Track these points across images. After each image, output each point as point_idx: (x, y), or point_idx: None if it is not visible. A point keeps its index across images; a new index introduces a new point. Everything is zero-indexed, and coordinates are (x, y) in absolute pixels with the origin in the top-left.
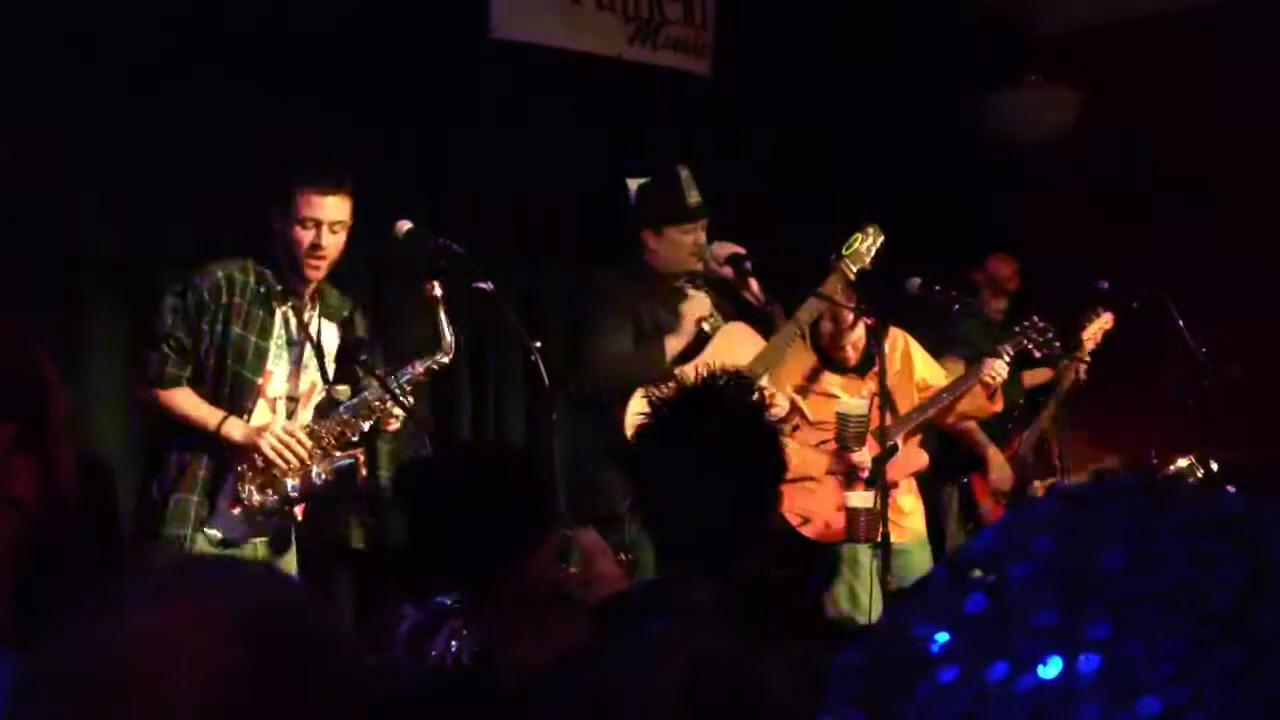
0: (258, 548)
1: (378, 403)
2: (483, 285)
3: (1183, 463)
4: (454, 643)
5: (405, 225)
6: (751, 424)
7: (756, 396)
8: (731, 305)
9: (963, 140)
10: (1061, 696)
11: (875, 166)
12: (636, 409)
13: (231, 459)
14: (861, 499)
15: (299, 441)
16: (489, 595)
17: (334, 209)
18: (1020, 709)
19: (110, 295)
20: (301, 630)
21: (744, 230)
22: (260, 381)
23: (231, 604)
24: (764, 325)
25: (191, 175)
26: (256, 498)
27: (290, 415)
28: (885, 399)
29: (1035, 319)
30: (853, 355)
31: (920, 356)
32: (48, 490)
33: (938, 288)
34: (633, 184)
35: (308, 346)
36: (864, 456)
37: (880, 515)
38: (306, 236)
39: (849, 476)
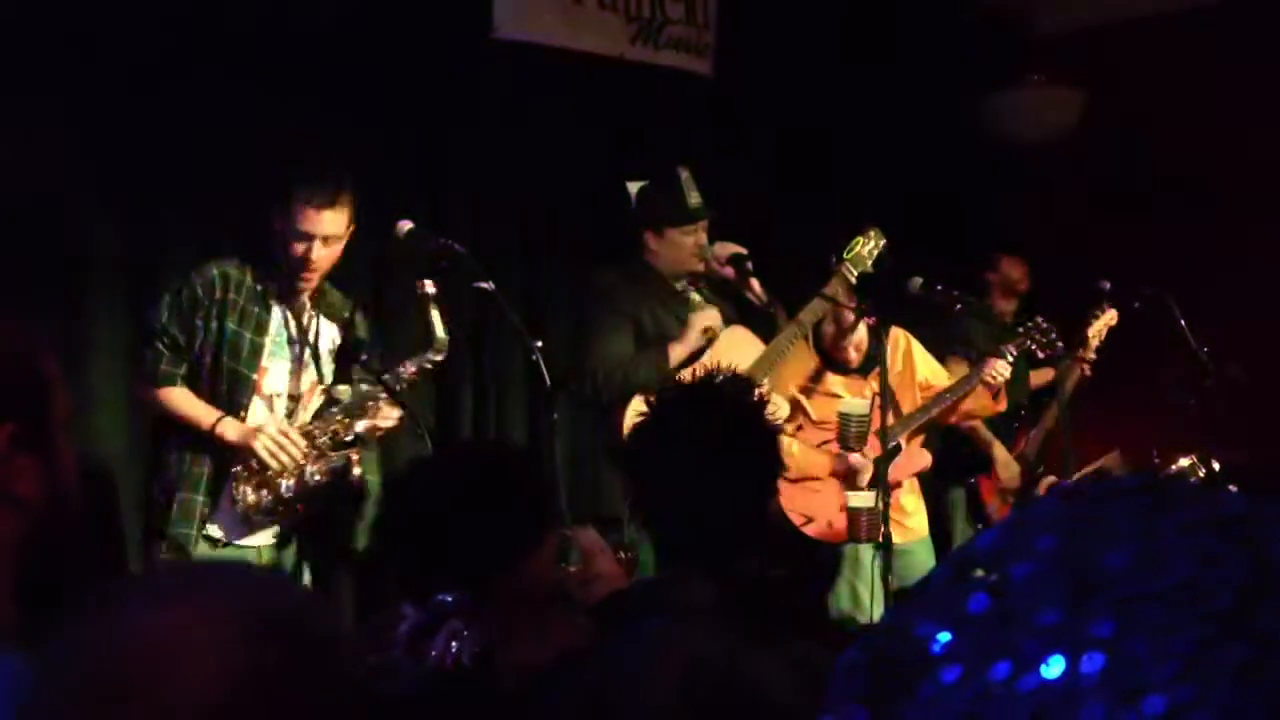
0: (260, 550)
1: (370, 402)
2: (484, 285)
3: (1184, 462)
4: (454, 643)
5: (406, 225)
6: (750, 424)
7: (755, 396)
8: (733, 306)
9: (963, 140)
10: (1064, 696)
11: (876, 166)
12: (637, 409)
13: (232, 458)
14: (862, 499)
15: (293, 443)
16: (489, 595)
17: (327, 223)
18: (1023, 708)
19: (110, 295)
20: (302, 631)
21: (745, 230)
22: (256, 378)
23: (232, 605)
24: (766, 325)
25: (191, 175)
26: (251, 498)
27: (290, 414)
28: (886, 399)
29: (1039, 319)
30: (855, 357)
31: (922, 356)
32: (51, 490)
33: (939, 287)
34: (633, 187)
35: (309, 346)
36: (865, 457)
37: (882, 515)
38: (299, 249)
39: (851, 477)
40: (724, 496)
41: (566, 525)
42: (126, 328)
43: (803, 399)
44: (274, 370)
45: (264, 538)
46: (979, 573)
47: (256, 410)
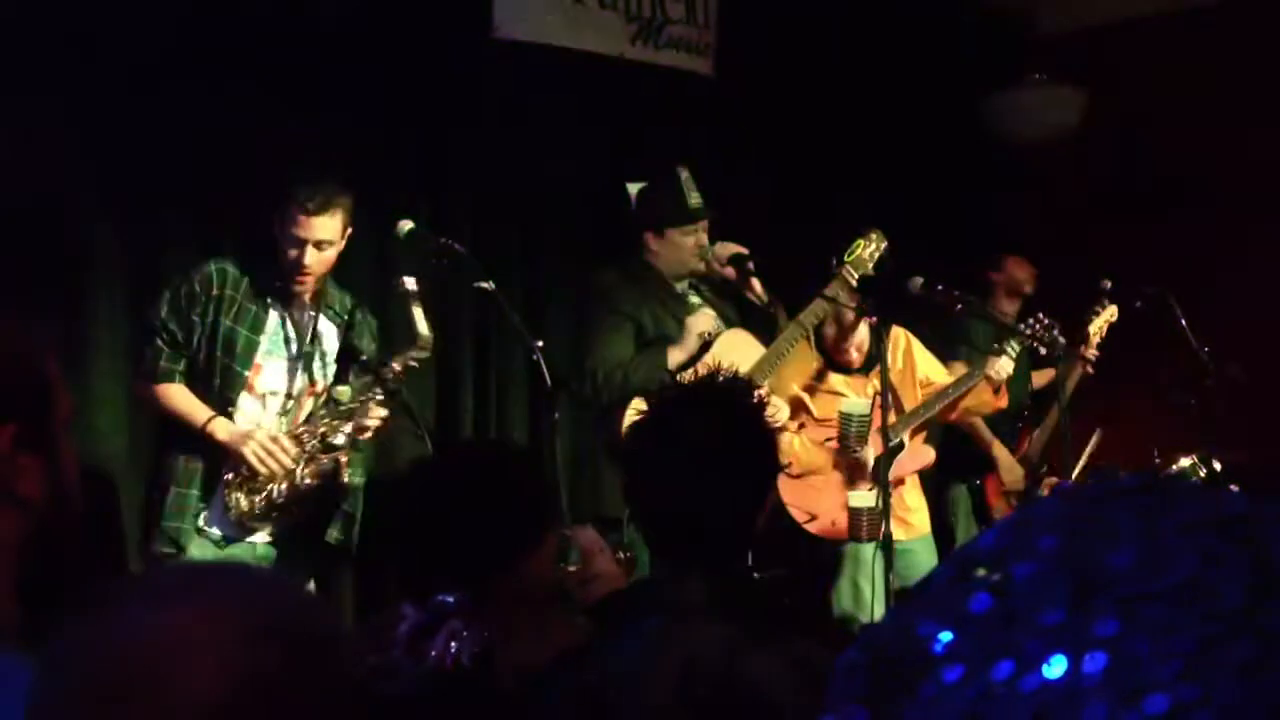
0: (256, 547)
1: (355, 404)
2: (484, 285)
3: (1185, 462)
4: (454, 643)
5: (407, 225)
6: (749, 424)
7: (754, 397)
8: (734, 306)
9: (964, 140)
10: (1067, 695)
11: (876, 166)
12: (636, 409)
13: (225, 458)
14: (863, 499)
15: (283, 449)
16: (489, 595)
17: (321, 229)
18: (1025, 708)
19: (110, 295)
20: (302, 631)
21: (745, 230)
22: (248, 375)
23: (232, 605)
24: (766, 326)
25: (191, 175)
26: (244, 505)
27: (286, 413)
28: (888, 397)
29: (1040, 315)
30: (856, 358)
31: (922, 354)
32: (53, 490)
33: (939, 287)
34: (633, 188)
35: (307, 346)
36: (867, 456)
37: (883, 514)
38: (293, 253)
39: (854, 475)
40: (723, 496)
41: (566, 525)
42: (126, 328)
43: (805, 397)
44: (270, 369)
45: (260, 536)
46: (981, 572)
47: (246, 407)
